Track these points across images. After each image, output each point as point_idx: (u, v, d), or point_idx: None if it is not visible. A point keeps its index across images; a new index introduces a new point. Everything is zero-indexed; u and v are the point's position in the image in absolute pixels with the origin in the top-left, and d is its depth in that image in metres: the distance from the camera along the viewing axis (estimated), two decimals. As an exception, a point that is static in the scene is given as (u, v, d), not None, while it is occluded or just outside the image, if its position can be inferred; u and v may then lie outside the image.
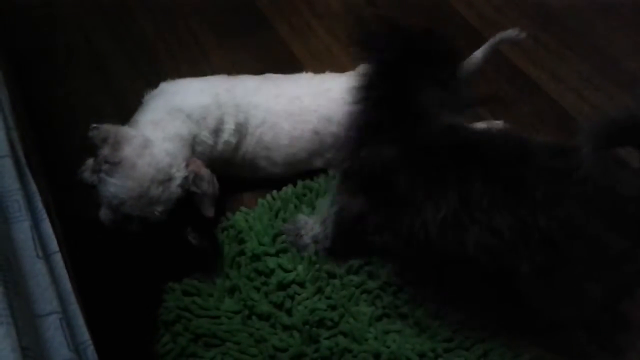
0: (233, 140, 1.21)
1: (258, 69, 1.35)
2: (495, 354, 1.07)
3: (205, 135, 1.18)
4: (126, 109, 1.41)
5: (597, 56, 1.60)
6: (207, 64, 1.53)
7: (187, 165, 1.10)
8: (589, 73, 1.56)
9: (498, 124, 1.38)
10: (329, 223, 1.16)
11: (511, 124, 1.41)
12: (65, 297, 0.64)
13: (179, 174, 1.09)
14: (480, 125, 1.37)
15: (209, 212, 1.12)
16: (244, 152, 1.24)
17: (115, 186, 1.07)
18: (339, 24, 1.72)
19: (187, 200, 1.10)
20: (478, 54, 1.28)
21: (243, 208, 1.26)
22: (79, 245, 1.08)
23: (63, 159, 1.33)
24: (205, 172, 1.12)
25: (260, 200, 1.28)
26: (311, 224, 1.20)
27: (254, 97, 1.24)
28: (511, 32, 1.25)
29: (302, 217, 1.22)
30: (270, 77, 1.32)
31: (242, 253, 1.19)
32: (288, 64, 1.51)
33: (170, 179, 1.08)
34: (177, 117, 1.15)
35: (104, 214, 1.11)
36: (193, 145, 1.15)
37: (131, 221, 1.09)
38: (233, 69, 1.32)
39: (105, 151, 1.07)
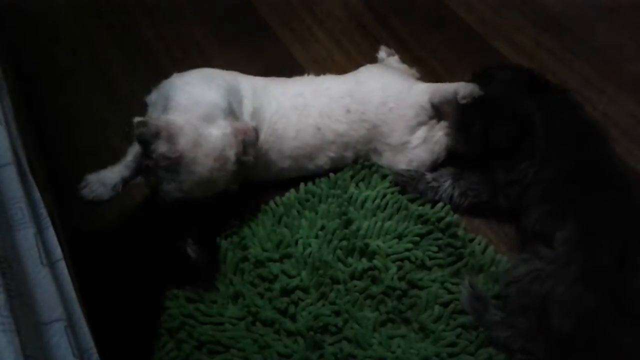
0: (253, 123, 1.21)
1: (260, 74, 1.36)
2: (501, 358, 1.07)
3: (235, 106, 1.18)
4: (129, 117, 1.42)
5: (599, 58, 1.60)
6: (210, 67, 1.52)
7: (236, 135, 1.11)
8: (591, 75, 1.56)
9: None
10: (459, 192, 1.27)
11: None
12: (69, 305, 0.64)
13: (232, 151, 1.11)
14: None
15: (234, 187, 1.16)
16: (261, 142, 1.24)
17: (179, 183, 1.07)
18: (340, 29, 1.72)
19: (188, 208, 1.11)
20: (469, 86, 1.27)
21: (246, 214, 1.26)
22: (82, 254, 1.08)
23: (66, 168, 1.33)
24: (251, 134, 1.14)
25: (263, 206, 1.28)
26: (430, 177, 1.29)
27: (267, 89, 1.29)
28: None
29: (415, 170, 1.31)
30: (274, 79, 1.35)
31: (245, 259, 1.19)
32: (289, 69, 1.51)
33: (227, 160, 1.10)
34: (211, 87, 1.15)
35: (164, 201, 1.10)
36: (231, 117, 1.15)
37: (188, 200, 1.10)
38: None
39: (161, 147, 1.06)
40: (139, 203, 1.28)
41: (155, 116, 1.13)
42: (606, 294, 0.99)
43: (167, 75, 1.23)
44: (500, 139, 1.19)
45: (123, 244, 1.21)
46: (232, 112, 1.15)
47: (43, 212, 0.73)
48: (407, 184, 1.29)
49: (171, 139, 1.06)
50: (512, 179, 1.20)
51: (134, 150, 1.27)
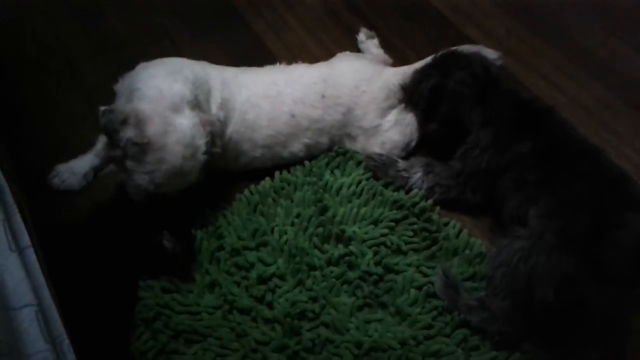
0: (221, 113, 1.21)
1: (232, 64, 1.35)
2: (475, 339, 1.08)
3: (201, 98, 1.16)
4: (98, 106, 1.39)
5: (568, 44, 1.62)
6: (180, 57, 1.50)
7: (203, 126, 1.10)
8: (561, 61, 1.58)
9: None
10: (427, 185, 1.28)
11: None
12: (39, 291, 0.63)
13: (202, 141, 1.10)
14: None
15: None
16: (231, 132, 1.24)
17: (150, 174, 1.06)
18: (312, 17, 1.72)
19: (164, 201, 1.09)
20: None
21: (221, 203, 1.25)
22: (54, 245, 1.06)
23: (35, 159, 1.31)
24: (217, 126, 1.14)
25: (238, 195, 1.27)
26: (401, 167, 1.30)
27: (237, 79, 1.27)
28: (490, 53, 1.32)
29: (388, 156, 1.32)
30: (246, 68, 1.35)
31: (221, 248, 1.18)
32: (262, 58, 1.50)
33: (197, 149, 1.09)
34: (177, 79, 1.13)
35: (135, 195, 1.09)
36: (198, 108, 1.14)
37: (159, 196, 1.09)
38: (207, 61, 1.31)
39: (128, 133, 1.04)
40: (111, 192, 1.27)
41: (120, 105, 1.10)
42: (582, 259, 1.00)
43: (136, 64, 1.22)
44: (436, 130, 1.28)
45: (96, 234, 1.19)
46: (198, 104, 1.14)
47: (10, 200, 0.71)
48: (377, 168, 1.30)
49: (139, 124, 1.04)
50: (468, 170, 1.22)
51: (104, 138, 1.25)
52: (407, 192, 1.28)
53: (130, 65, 1.23)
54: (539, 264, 1.02)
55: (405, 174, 1.28)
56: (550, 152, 1.14)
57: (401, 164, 1.30)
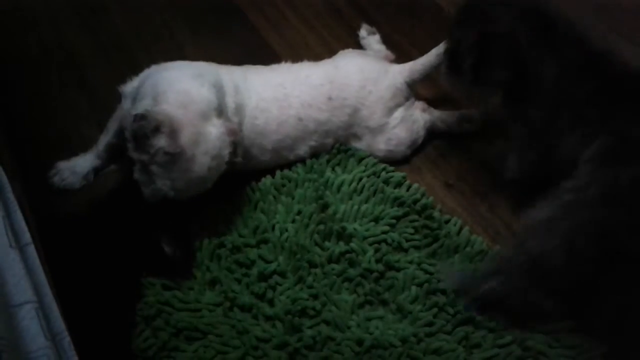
0: (235, 119, 1.20)
1: (235, 61, 1.34)
2: (477, 337, 1.08)
3: (223, 104, 1.15)
4: (100, 105, 1.40)
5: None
6: (183, 57, 1.49)
7: (228, 135, 1.10)
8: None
9: (472, 113, 1.40)
10: None
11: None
12: (40, 288, 0.63)
13: (226, 151, 1.09)
14: (455, 116, 1.39)
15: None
16: (242, 138, 1.23)
17: (173, 181, 1.05)
18: (314, 14, 1.72)
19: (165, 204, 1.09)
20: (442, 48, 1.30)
21: (222, 201, 1.25)
22: (55, 243, 1.06)
23: (36, 156, 1.31)
24: (239, 135, 1.13)
25: (239, 192, 1.27)
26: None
27: (246, 82, 1.26)
28: None
29: None
30: (251, 67, 1.33)
31: (222, 245, 1.18)
32: (264, 56, 1.50)
33: (222, 160, 1.09)
34: (203, 84, 1.11)
35: (151, 198, 1.08)
36: (221, 113, 1.13)
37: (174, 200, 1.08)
38: (210, 61, 1.31)
39: (161, 142, 1.02)
40: (112, 192, 1.27)
41: (149, 109, 1.07)
42: (624, 212, 0.97)
43: (138, 62, 1.22)
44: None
45: (97, 233, 1.19)
46: (222, 111, 1.13)
47: (10, 196, 0.71)
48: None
49: (173, 134, 1.02)
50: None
51: (106, 139, 1.25)
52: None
53: (131, 64, 1.23)
54: (581, 217, 0.99)
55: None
56: (616, 92, 1.06)
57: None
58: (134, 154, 1.06)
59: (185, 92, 1.08)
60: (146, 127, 1.01)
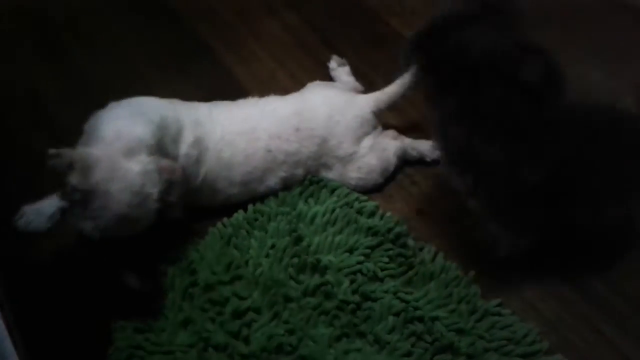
0: (193, 152, 1.19)
1: (203, 98, 1.35)
2: (456, 364, 1.07)
3: (167, 141, 1.14)
4: (66, 145, 1.37)
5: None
6: (150, 95, 1.50)
7: (160, 173, 1.07)
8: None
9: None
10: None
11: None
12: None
13: (155, 189, 1.07)
14: (426, 144, 1.39)
15: (178, 214, 1.12)
16: (205, 171, 1.22)
17: (94, 220, 1.03)
18: (282, 48, 1.73)
19: (123, 240, 1.07)
20: (414, 69, 1.32)
21: (194, 238, 1.23)
22: (21, 288, 1.03)
23: (1, 199, 1.28)
24: (178, 175, 1.10)
25: (210, 228, 1.25)
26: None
27: (211, 116, 1.26)
28: None
29: None
30: (217, 102, 1.35)
31: (194, 284, 1.16)
32: (233, 91, 1.50)
33: (146, 197, 1.06)
34: (139, 122, 1.11)
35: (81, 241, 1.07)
36: (160, 152, 1.12)
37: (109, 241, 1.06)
38: (178, 98, 1.31)
39: (73, 179, 1.02)
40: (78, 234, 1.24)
41: (79, 148, 1.08)
42: None
43: (105, 101, 1.21)
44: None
45: (64, 275, 1.16)
46: (161, 149, 1.12)
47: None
48: None
49: (84, 170, 1.02)
50: None
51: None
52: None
53: (97, 102, 1.21)
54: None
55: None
56: None
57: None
58: (60, 196, 1.06)
59: (115, 129, 1.08)
60: (59, 165, 1.01)
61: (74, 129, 1.22)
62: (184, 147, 1.18)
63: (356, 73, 1.59)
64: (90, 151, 1.05)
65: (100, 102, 1.21)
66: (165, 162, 1.10)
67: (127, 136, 1.08)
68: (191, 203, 1.19)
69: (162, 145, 1.13)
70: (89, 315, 1.11)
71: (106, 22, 1.81)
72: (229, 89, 1.56)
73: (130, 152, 1.06)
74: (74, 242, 1.14)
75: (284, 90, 1.47)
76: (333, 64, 1.60)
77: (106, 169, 1.03)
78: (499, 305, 1.14)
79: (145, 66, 1.66)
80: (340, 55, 1.63)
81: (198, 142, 1.21)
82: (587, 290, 1.17)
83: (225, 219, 1.27)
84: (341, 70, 1.58)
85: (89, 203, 1.02)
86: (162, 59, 1.67)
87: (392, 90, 1.37)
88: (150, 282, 1.11)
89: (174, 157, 1.15)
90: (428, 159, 1.39)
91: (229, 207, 1.28)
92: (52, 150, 1.02)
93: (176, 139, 1.18)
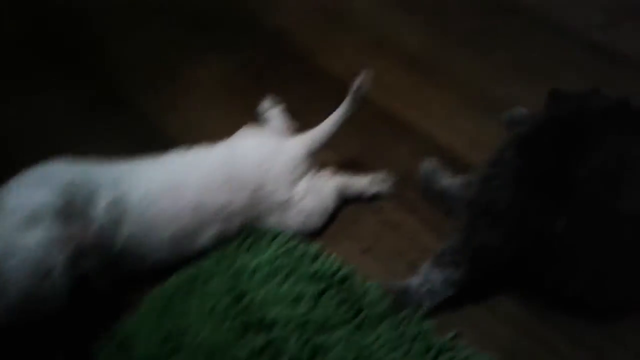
0: (111, 214, 1.12)
1: (128, 152, 1.27)
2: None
3: (78, 204, 1.07)
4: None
5: (462, 88, 1.65)
6: (70, 151, 1.42)
7: (65, 241, 1.00)
8: (457, 105, 1.60)
9: (382, 175, 1.38)
10: (449, 267, 1.10)
11: (391, 166, 1.41)
12: None
13: (60, 257, 0.98)
14: (365, 180, 1.36)
15: (104, 287, 1.03)
16: (127, 234, 1.15)
17: None
18: (209, 94, 1.68)
19: (52, 318, 0.98)
20: (345, 104, 1.30)
21: (126, 310, 1.15)
22: None
23: None
24: (88, 240, 1.02)
25: (143, 298, 1.17)
26: (417, 283, 1.13)
27: (130, 176, 1.19)
28: (362, 77, 1.29)
29: (397, 283, 1.16)
30: (142, 159, 1.27)
31: (131, 360, 1.08)
32: (160, 142, 1.43)
33: (50, 269, 0.97)
34: (42, 187, 1.03)
35: None
36: (68, 218, 1.04)
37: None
38: (101, 153, 1.24)
39: None
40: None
41: None
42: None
43: (18, 164, 1.13)
44: None
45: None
46: (70, 214, 1.04)
47: None
48: (399, 301, 1.15)
49: None
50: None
51: None
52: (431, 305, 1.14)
53: (10, 163, 1.13)
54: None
55: (425, 287, 1.13)
56: None
57: (415, 281, 1.14)
58: None
59: (18, 197, 1.02)
60: None
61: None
62: (99, 210, 1.11)
63: (290, 112, 1.56)
64: None
65: (14, 163, 1.13)
66: (71, 228, 1.02)
67: (28, 205, 1.00)
68: (117, 272, 1.11)
69: (72, 209, 1.05)
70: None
71: (25, 72, 1.73)
72: (156, 140, 1.49)
73: (31, 222, 0.99)
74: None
75: (217, 137, 1.41)
76: (264, 106, 1.56)
77: (2, 245, 0.95)
78: (454, 337, 1.10)
79: (65, 122, 1.58)
80: (270, 94, 1.59)
81: (116, 203, 1.13)
82: (542, 312, 1.14)
83: (158, 287, 1.19)
84: (272, 112, 1.55)
85: None
86: (82, 114, 1.60)
87: (324, 129, 1.33)
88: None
89: (87, 222, 1.08)
90: (368, 195, 1.36)
91: (161, 271, 1.20)
92: None
93: (88, 201, 1.10)
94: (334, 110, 1.34)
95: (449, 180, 1.30)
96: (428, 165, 1.34)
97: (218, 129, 1.53)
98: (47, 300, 0.98)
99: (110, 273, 1.08)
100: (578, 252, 1.04)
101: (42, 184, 1.05)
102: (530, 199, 1.05)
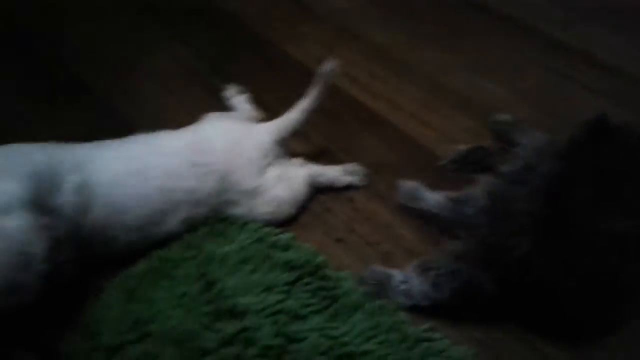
0: (77, 199, 1.06)
1: (86, 138, 1.21)
2: (393, 399, 1.01)
3: (44, 192, 1.01)
4: None
5: (428, 82, 1.67)
6: (26, 137, 1.35)
7: (41, 230, 0.94)
8: (425, 98, 1.61)
9: (353, 166, 1.37)
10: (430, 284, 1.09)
11: (361, 156, 1.40)
12: None
13: (39, 247, 0.94)
14: (336, 170, 1.35)
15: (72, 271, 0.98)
16: (94, 219, 1.09)
17: None
18: (170, 78, 1.63)
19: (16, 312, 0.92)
20: (312, 92, 1.29)
21: (91, 296, 1.09)
22: None
23: None
24: (61, 231, 0.98)
25: (109, 283, 1.12)
26: (399, 279, 1.12)
27: (96, 159, 1.14)
28: (327, 65, 1.26)
29: (381, 271, 1.14)
30: (102, 143, 1.21)
31: (96, 349, 1.02)
32: (119, 129, 1.36)
33: (31, 259, 0.92)
34: (8, 176, 0.97)
35: None
36: (39, 207, 0.98)
37: None
38: (57, 139, 1.17)
39: None
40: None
41: None
42: None
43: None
44: None
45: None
46: (38, 203, 0.99)
47: None
48: (376, 289, 1.14)
49: None
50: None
51: None
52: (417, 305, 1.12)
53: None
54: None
55: (405, 287, 1.12)
56: None
57: (398, 277, 1.13)
58: None
59: None
60: None
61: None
62: (65, 196, 1.05)
63: (255, 101, 1.53)
64: None
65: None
66: (45, 219, 0.97)
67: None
68: (85, 257, 1.06)
69: (39, 198, 0.99)
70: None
71: None
72: (114, 127, 1.43)
73: (3, 212, 0.93)
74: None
75: (177, 124, 1.36)
76: (229, 92, 1.53)
77: None
78: (430, 329, 1.10)
79: (20, 105, 1.49)
80: (235, 82, 1.55)
81: (81, 188, 1.08)
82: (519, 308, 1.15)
83: (125, 271, 1.14)
84: (238, 99, 1.51)
85: None
86: (37, 97, 1.52)
87: (292, 116, 1.30)
88: (44, 354, 0.95)
89: (54, 209, 1.02)
90: (339, 185, 1.35)
91: (129, 257, 1.15)
92: None
93: (54, 188, 1.04)
94: (299, 99, 1.31)
95: (431, 198, 1.27)
96: (406, 185, 1.31)
97: (181, 117, 1.49)
98: (26, 290, 0.93)
99: (78, 258, 1.02)
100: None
101: (7, 174, 0.98)
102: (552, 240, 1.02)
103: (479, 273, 1.05)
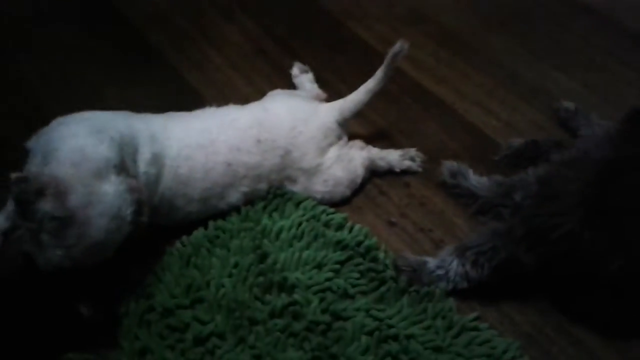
0: (152, 170, 1.11)
1: (157, 107, 1.25)
2: (435, 385, 1.01)
3: (128, 159, 1.05)
4: (8, 163, 1.27)
5: (496, 69, 1.62)
6: (97, 104, 1.40)
7: (131, 193, 0.99)
8: (491, 86, 1.58)
9: (412, 151, 1.36)
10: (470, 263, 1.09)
11: (421, 142, 1.39)
12: None
13: (128, 210, 0.98)
14: (395, 154, 1.35)
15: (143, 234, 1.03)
16: (163, 189, 1.14)
17: (68, 249, 0.92)
18: (239, 54, 1.66)
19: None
20: (378, 74, 1.27)
21: (149, 259, 1.14)
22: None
23: None
24: (145, 194, 1.02)
25: (168, 248, 1.17)
26: (434, 264, 1.13)
27: (166, 130, 1.17)
28: (397, 46, 1.25)
29: (413, 258, 1.15)
30: (172, 114, 1.25)
31: (151, 309, 1.07)
32: (188, 100, 1.43)
33: (123, 221, 0.97)
34: (101, 140, 1.01)
35: (45, 267, 0.95)
36: (126, 171, 1.03)
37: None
38: (130, 107, 1.22)
39: (46, 205, 0.91)
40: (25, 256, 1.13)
41: (35, 169, 0.98)
42: None
43: (49, 114, 1.11)
44: None
45: (6, 305, 1.05)
46: (125, 168, 1.03)
47: None
48: (410, 276, 1.14)
49: (59, 195, 0.92)
50: None
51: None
52: (453, 288, 1.13)
53: (41, 113, 1.12)
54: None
55: (441, 272, 1.12)
56: None
57: (432, 263, 1.14)
58: (19, 222, 0.95)
59: (79, 149, 0.99)
60: (28, 191, 0.91)
61: (12, 143, 1.12)
62: (143, 165, 1.09)
63: (319, 79, 1.53)
64: (61, 174, 0.95)
65: (45, 114, 1.11)
66: (132, 182, 1.01)
67: (94, 157, 0.98)
68: (149, 222, 1.10)
69: (125, 164, 1.03)
70: (35, 348, 1.01)
71: (54, 31, 1.70)
72: (184, 98, 1.48)
73: (100, 174, 0.97)
74: (17, 269, 1.03)
75: (243, 98, 1.40)
76: (295, 70, 1.54)
77: (82, 194, 0.94)
78: (476, 319, 1.10)
79: (95, 75, 1.56)
80: (302, 61, 1.56)
81: (155, 159, 1.12)
82: (566, 301, 1.13)
83: (184, 238, 1.18)
84: (304, 78, 1.52)
85: (65, 231, 0.92)
86: (112, 68, 1.58)
87: (356, 97, 1.30)
88: (102, 309, 1.01)
89: (135, 176, 1.06)
90: (397, 169, 1.34)
91: (188, 225, 1.20)
92: (16, 174, 0.91)
93: (134, 156, 1.09)
94: (363, 80, 1.31)
95: (476, 180, 1.27)
96: (451, 165, 1.31)
97: (247, 91, 1.53)
98: (110, 248, 0.98)
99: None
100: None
101: (99, 136, 1.02)
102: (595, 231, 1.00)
103: (519, 249, 1.05)
